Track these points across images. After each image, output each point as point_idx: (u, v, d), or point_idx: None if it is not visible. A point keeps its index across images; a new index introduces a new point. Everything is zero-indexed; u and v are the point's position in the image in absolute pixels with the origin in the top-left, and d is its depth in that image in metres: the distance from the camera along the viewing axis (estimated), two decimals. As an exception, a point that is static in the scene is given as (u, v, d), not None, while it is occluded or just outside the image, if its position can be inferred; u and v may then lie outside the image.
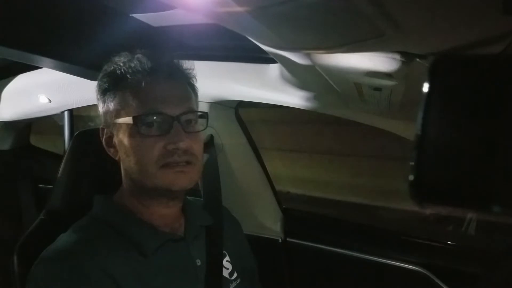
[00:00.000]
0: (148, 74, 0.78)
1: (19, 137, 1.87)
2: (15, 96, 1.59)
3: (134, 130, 0.76)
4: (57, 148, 1.96)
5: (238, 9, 0.44)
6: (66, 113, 1.59)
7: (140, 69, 0.78)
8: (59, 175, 0.92)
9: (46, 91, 1.49)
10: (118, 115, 0.78)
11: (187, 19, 1.00)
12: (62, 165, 0.93)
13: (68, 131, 1.60)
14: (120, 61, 0.80)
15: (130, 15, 1.00)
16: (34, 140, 1.99)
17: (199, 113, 0.81)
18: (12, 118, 1.69)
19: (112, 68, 0.81)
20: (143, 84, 0.77)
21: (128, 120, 0.76)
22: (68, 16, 0.96)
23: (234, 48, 1.14)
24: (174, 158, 0.75)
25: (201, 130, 0.82)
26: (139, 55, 0.80)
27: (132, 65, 0.79)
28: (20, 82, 1.54)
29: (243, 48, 1.11)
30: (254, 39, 0.70)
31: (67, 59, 1.05)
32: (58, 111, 1.59)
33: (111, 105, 0.79)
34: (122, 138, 0.78)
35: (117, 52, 0.83)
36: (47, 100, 1.51)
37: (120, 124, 0.78)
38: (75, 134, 0.96)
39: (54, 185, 0.93)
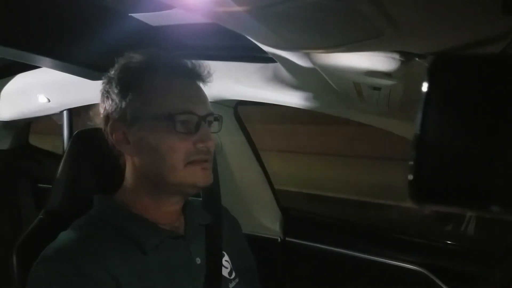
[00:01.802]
0: (176, 73, 0.80)
1: (18, 137, 1.87)
2: (14, 96, 1.58)
3: (166, 126, 0.76)
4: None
5: (237, 8, 0.44)
6: (65, 113, 1.59)
7: (168, 67, 0.80)
8: (58, 174, 0.92)
9: (45, 90, 1.49)
10: (146, 111, 0.78)
11: (186, 19, 1.00)
12: (61, 165, 0.92)
13: (67, 130, 1.60)
14: (140, 58, 0.81)
15: (129, 14, 1.00)
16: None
17: (215, 116, 0.85)
18: (11, 118, 1.68)
19: (135, 63, 0.80)
20: (173, 82, 0.79)
21: (163, 116, 0.76)
22: (67, 15, 0.96)
23: (234, 48, 1.14)
24: (201, 156, 0.79)
25: (216, 132, 0.86)
26: (161, 53, 0.82)
27: (158, 62, 0.80)
28: (19, 81, 1.53)
29: (243, 48, 1.10)
30: (254, 39, 0.70)
31: (66, 58, 1.04)
32: (57, 110, 1.58)
33: (136, 100, 0.78)
34: (147, 134, 0.77)
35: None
36: (46, 100, 1.50)
37: (147, 120, 0.77)
38: (74, 133, 0.96)
39: (53, 184, 0.93)
